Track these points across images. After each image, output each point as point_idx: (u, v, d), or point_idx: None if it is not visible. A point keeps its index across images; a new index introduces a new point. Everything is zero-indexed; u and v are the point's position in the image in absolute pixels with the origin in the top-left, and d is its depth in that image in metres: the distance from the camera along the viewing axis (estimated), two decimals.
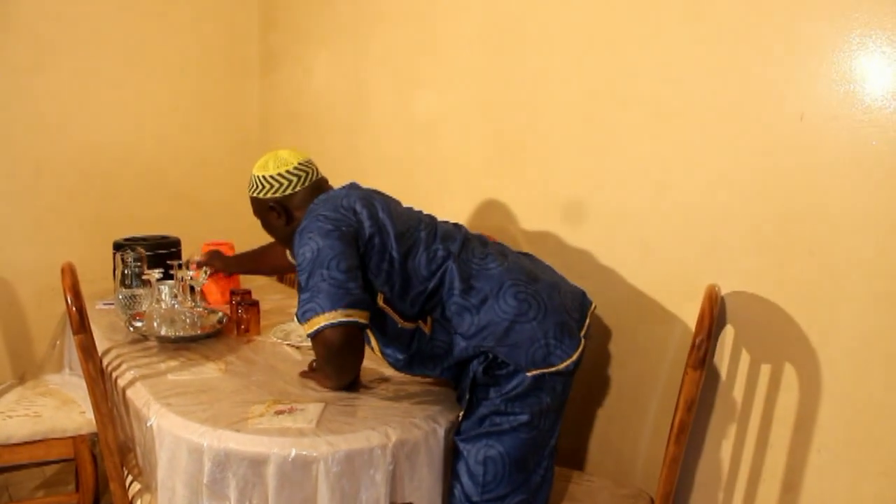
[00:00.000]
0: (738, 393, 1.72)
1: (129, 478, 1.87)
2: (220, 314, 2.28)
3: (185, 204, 3.67)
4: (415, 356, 1.72)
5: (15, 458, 2.16)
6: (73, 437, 2.18)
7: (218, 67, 3.77)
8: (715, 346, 1.74)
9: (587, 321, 1.74)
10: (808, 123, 1.53)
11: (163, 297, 2.19)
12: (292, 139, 3.67)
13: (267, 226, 1.91)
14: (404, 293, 1.67)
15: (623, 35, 1.91)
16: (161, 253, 2.60)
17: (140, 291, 2.32)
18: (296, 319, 1.59)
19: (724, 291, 1.70)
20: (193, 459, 1.49)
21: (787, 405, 1.62)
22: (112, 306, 2.44)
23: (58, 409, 2.23)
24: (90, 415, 2.00)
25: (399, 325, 1.68)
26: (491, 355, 1.65)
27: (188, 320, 2.17)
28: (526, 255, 1.88)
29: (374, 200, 1.74)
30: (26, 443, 2.14)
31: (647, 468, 1.95)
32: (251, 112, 3.89)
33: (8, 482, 2.74)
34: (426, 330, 1.70)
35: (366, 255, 1.64)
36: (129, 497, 1.84)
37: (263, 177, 1.84)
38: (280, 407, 1.62)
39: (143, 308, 2.26)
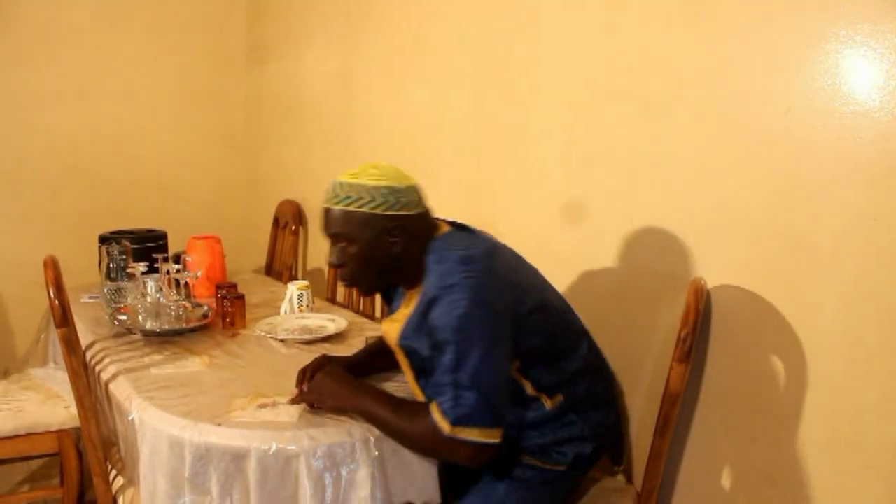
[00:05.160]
0: (724, 387, 1.72)
1: (113, 472, 1.86)
2: (206, 308, 2.27)
3: (171, 198, 3.66)
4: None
5: None
6: (57, 432, 2.17)
7: (204, 60, 3.75)
8: (701, 339, 1.74)
9: None
10: (794, 117, 1.52)
11: (148, 290, 2.17)
12: (279, 133, 3.65)
13: (363, 254, 1.51)
14: (548, 362, 1.57)
15: (611, 30, 1.90)
16: (147, 246, 2.59)
17: (125, 285, 2.30)
18: (432, 400, 1.43)
19: (710, 285, 1.70)
20: (175, 453, 1.48)
21: (772, 399, 1.62)
22: (97, 300, 2.42)
23: (42, 403, 2.21)
24: (74, 409, 1.99)
25: (526, 392, 1.57)
26: None
27: (173, 314, 2.15)
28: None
29: (527, 270, 1.61)
30: (10, 437, 2.12)
31: (632, 462, 1.95)
32: (237, 105, 3.88)
33: None
34: (547, 406, 1.60)
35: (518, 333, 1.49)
36: (113, 491, 1.84)
37: (396, 187, 1.50)
38: (262, 401, 1.61)
39: (129, 302, 2.24)
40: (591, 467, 1.73)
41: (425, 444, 1.46)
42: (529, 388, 1.57)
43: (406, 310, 1.58)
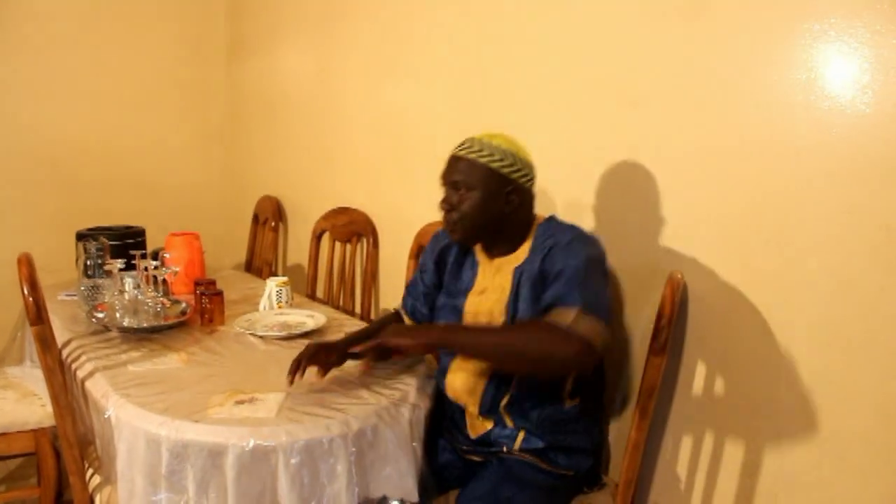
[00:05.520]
0: (701, 379, 1.73)
1: (90, 470, 1.84)
2: (184, 304, 2.26)
3: (150, 194, 3.64)
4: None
5: None
6: (34, 431, 2.13)
7: (183, 56, 3.73)
8: (679, 333, 1.75)
9: None
10: (770, 111, 1.53)
11: (126, 287, 2.16)
12: (259, 130, 3.64)
13: (479, 203, 1.61)
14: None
15: (590, 25, 1.91)
16: (125, 243, 2.58)
17: (103, 282, 2.28)
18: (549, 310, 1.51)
19: (688, 279, 1.71)
20: (152, 451, 1.47)
21: (748, 391, 1.63)
22: (74, 297, 2.40)
23: (18, 402, 2.19)
24: (51, 408, 1.97)
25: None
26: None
27: (151, 311, 2.14)
28: None
29: None
30: None
31: (610, 454, 1.96)
32: (217, 101, 3.85)
33: None
34: (566, 405, 1.67)
35: None
36: (90, 490, 1.82)
37: (523, 158, 1.64)
38: (240, 397, 1.60)
39: (106, 299, 2.22)
40: (587, 484, 1.78)
41: (538, 340, 1.48)
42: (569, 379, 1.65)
43: (496, 280, 1.67)
